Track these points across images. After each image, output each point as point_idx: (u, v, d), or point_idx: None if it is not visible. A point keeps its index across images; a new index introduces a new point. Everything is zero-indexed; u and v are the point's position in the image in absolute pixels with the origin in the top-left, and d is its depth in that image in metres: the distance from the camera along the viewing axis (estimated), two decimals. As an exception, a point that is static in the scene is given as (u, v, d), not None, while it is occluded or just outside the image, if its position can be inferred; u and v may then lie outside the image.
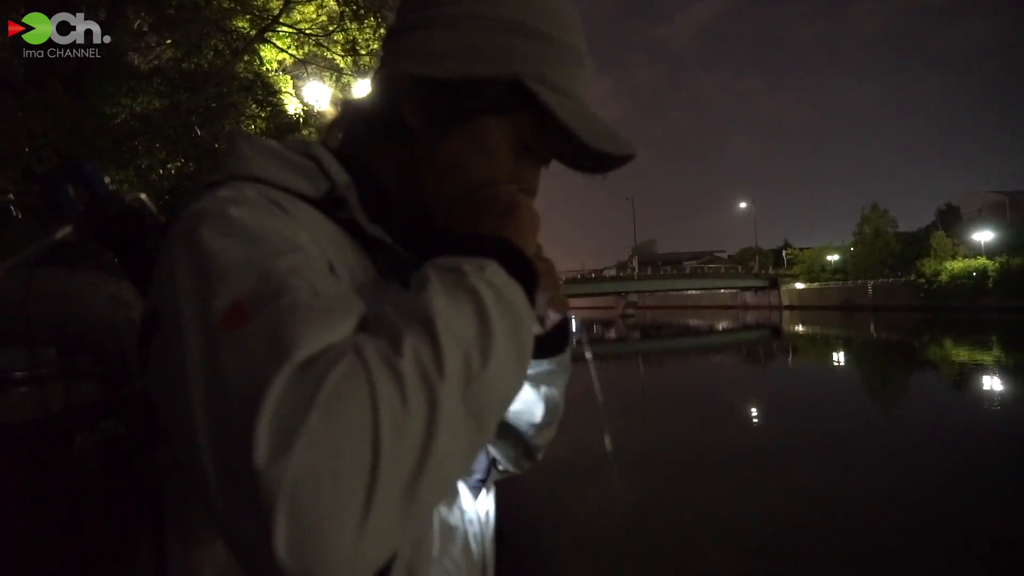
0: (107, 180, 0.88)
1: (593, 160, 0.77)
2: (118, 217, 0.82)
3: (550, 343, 0.87)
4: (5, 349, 1.65)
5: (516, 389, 0.57)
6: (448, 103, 0.70)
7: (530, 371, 0.87)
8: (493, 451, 0.96)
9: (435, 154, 0.71)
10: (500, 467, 0.98)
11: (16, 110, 6.18)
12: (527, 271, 0.59)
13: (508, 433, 0.93)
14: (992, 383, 12.98)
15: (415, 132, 0.72)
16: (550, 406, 0.91)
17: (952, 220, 55.93)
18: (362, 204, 0.69)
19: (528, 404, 0.90)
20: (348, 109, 0.81)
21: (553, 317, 0.79)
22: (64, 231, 1.00)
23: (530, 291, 0.59)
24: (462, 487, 0.78)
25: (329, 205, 0.67)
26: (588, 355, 0.93)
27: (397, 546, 0.46)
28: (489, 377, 0.51)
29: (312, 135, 8.72)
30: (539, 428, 0.92)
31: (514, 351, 0.54)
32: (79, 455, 1.59)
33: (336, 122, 0.81)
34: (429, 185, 0.72)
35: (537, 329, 0.60)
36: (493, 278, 0.55)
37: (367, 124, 0.76)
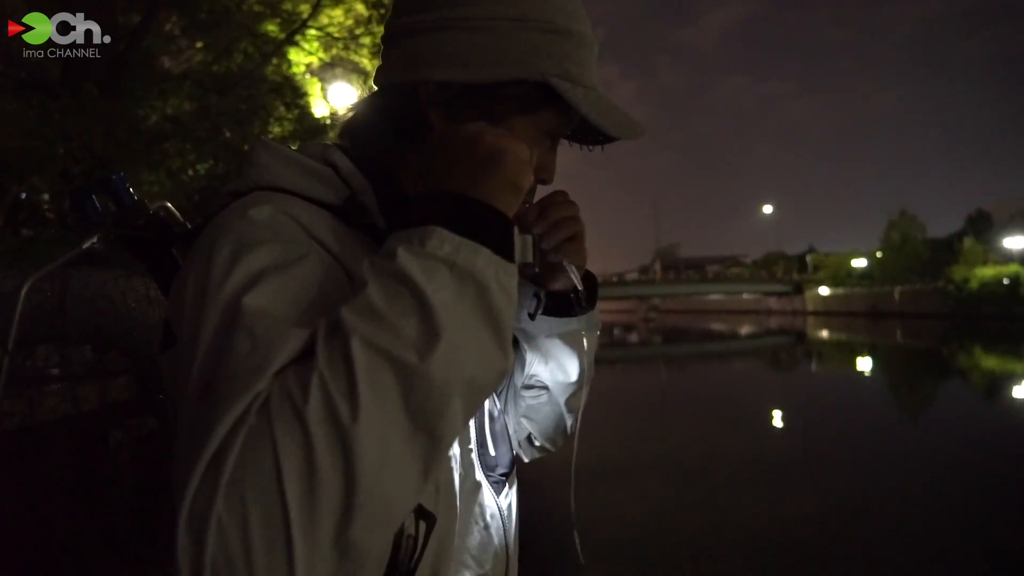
0: (131, 190, 0.90)
1: (597, 136, 0.79)
2: (144, 226, 0.84)
3: (576, 301, 0.87)
4: (43, 347, 1.72)
5: (496, 363, 0.53)
6: (477, 107, 0.70)
7: (558, 330, 0.89)
8: (528, 427, 0.99)
9: (441, 142, 0.69)
10: (536, 443, 1.00)
11: (52, 112, 6.33)
12: (491, 222, 0.55)
13: (543, 393, 0.95)
14: (1022, 392, 12.69)
15: None
16: (583, 365, 0.92)
17: (983, 226, 54.74)
18: (382, 209, 0.69)
19: (561, 362, 0.92)
20: (359, 113, 0.80)
21: (567, 277, 0.79)
22: (90, 241, 1.04)
23: (501, 241, 0.55)
24: (484, 482, 0.79)
25: (349, 211, 0.68)
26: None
27: None
28: (439, 371, 0.48)
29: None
30: (573, 389, 0.94)
31: (482, 322, 0.51)
32: (113, 451, 1.64)
33: (347, 127, 0.80)
34: (432, 171, 0.71)
35: (513, 277, 0.56)
36: (437, 249, 0.51)
37: (384, 129, 0.75)
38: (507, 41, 0.69)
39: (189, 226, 0.85)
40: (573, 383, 0.94)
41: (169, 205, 0.92)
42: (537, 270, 0.78)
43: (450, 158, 0.61)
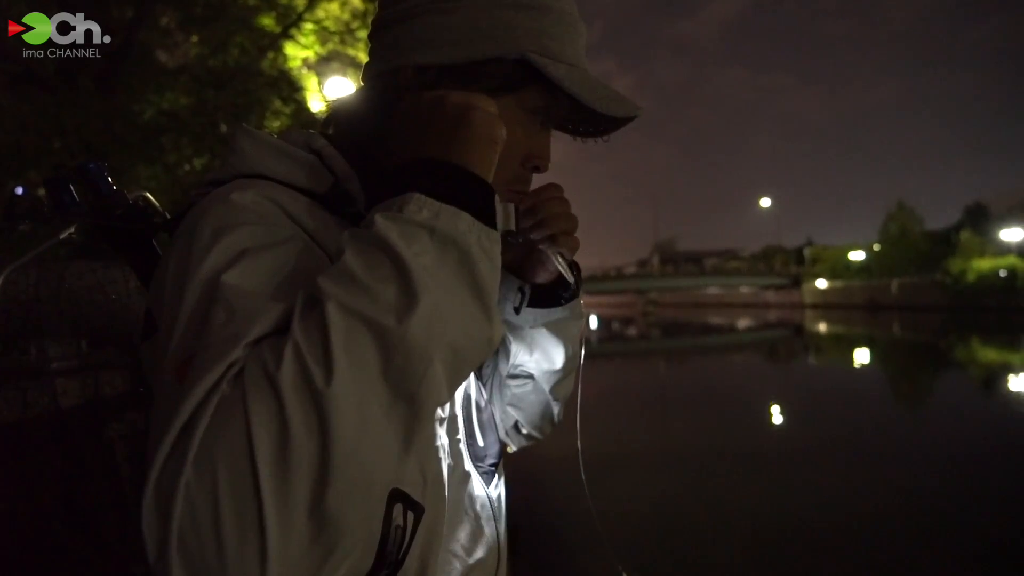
0: (110, 179, 0.88)
1: (596, 125, 0.77)
2: (123, 216, 0.83)
3: (560, 290, 0.87)
4: (37, 341, 1.70)
5: (480, 330, 0.51)
6: (456, 88, 0.67)
7: (543, 320, 0.89)
8: (515, 415, 0.98)
9: (411, 110, 0.68)
10: (524, 431, 1.00)
11: (48, 107, 6.31)
12: (471, 187, 0.55)
13: (529, 385, 0.95)
14: (1021, 385, 12.73)
15: None
16: (569, 352, 0.92)
17: (980, 218, 54.76)
18: (367, 197, 0.68)
19: (546, 350, 0.91)
20: (343, 103, 0.79)
21: (556, 264, 0.78)
22: (67, 231, 1.02)
23: (481, 205, 0.54)
24: (473, 472, 0.78)
25: (334, 199, 0.67)
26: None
27: (328, 561, 0.44)
28: (418, 334, 0.46)
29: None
30: (559, 377, 0.94)
31: (465, 288, 0.50)
32: (107, 446, 1.63)
33: (328, 119, 0.79)
34: (405, 139, 0.70)
35: (496, 243, 0.54)
36: (416, 214, 0.50)
37: (366, 117, 0.74)
38: (481, 20, 0.68)
39: (169, 217, 0.84)
40: (559, 371, 0.94)
41: (148, 195, 0.90)
42: (521, 240, 0.77)
43: (420, 126, 0.60)
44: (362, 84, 0.77)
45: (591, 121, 0.76)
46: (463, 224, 0.52)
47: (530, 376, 0.95)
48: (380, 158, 0.70)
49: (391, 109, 0.69)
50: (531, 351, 0.92)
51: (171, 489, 0.41)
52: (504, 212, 0.60)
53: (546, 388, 0.95)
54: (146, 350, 0.59)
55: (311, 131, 0.74)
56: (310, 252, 0.59)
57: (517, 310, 0.88)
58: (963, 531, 4.97)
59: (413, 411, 0.47)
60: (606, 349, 23.42)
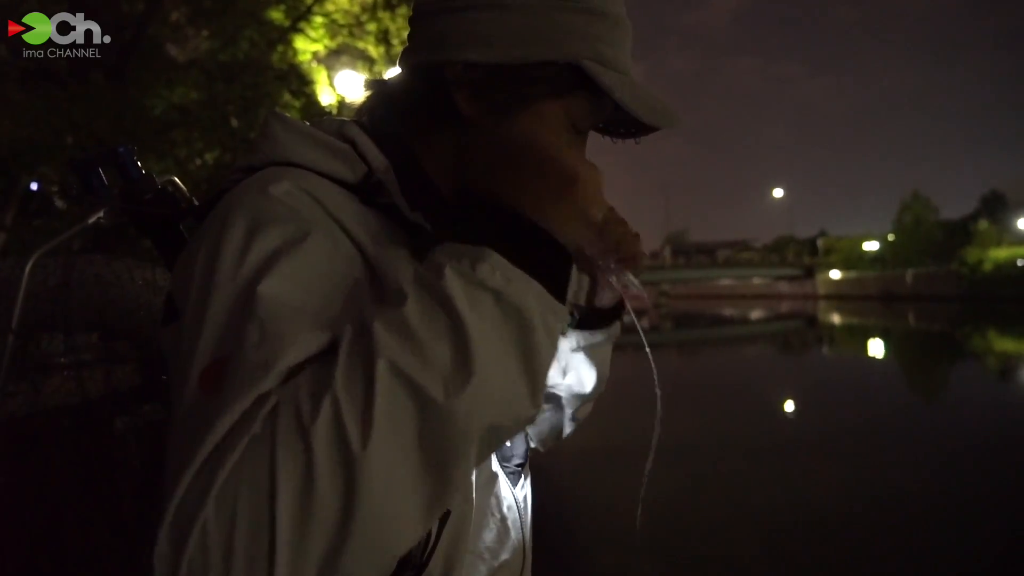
0: (139, 164, 0.87)
1: (631, 128, 0.75)
2: (152, 201, 0.82)
3: (611, 313, 0.84)
4: (47, 335, 1.71)
5: (521, 410, 0.49)
6: (505, 89, 0.66)
7: (585, 342, 0.86)
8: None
9: (493, 142, 0.66)
10: (530, 443, 0.98)
11: (61, 101, 6.34)
12: (552, 258, 0.52)
13: (550, 405, 0.93)
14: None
15: (467, 119, 0.68)
16: (601, 377, 0.90)
17: (998, 207, 54.19)
18: (402, 189, 0.65)
19: (580, 374, 0.89)
20: (381, 91, 0.76)
21: (608, 294, 0.75)
22: (97, 215, 1.01)
23: (558, 280, 0.51)
24: (500, 473, 0.77)
25: (367, 190, 0.65)
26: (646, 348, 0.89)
27: None
28: (462, 413, 0.44)
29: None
30: (584, 400, 0.92)
31: (518, 363, 0.48)
32: (119, 438, 1.63)
33: (365, 105, 0.77)
34: (486, 174, 0.68)
35: (564, 325, 0.52)
36: (489, 276, 0.48)
37: (407, 109, 0.72)
38: (537, 21, 0.66)
39: (196, 202, 0.84)
40: (587, 395, 0.92)
41: (176, 180, 0.89)
42: (579, 316, 0.75)
43: (508, 168, 0.57)
44: (400, 70, 0.74)
45: (628, 124, 0.74)
46: (532, 296, 0.49)
47: (556, 397, 0.92)
48: (420, 152, 0.68)
49: (437, 106, 0.67)
50: (564, 373, 0.89)
51: (188, 524, 0.41)
52: (578, 284, 0.58)
53: (569, 411, 0.93)
54: (166, 335, 0.57)
55: (344, 119, 0.71)
56: (344, 249, 0.58)
57: (563, 333, 0.85)
58: (978, 523, 4.92)
59: (442, 485, 0.46)
60: (618, 341, 23.30)
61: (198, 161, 8.87)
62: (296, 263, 0.53)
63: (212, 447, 0.43)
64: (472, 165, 0.66)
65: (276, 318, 0.49)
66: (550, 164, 0.55)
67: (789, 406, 10.43)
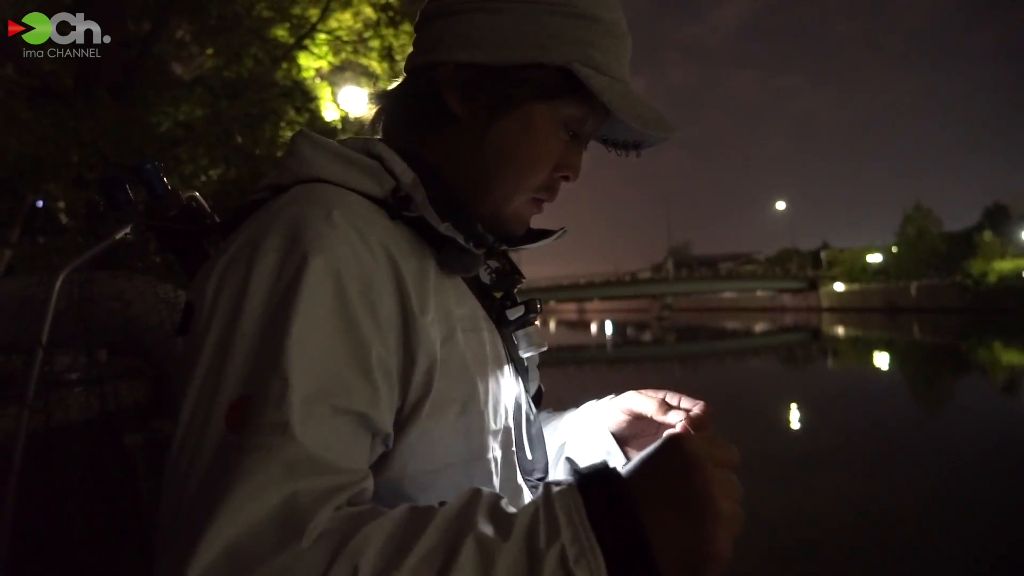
0: (165, 180, 0.88)
1: (633, 140, 0.76)
2: (177, 217, 0.83)
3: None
4: (63, 351, 1.72)
5: None
6: (494, 90, 0.68)
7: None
8: None
9: (482, 142, 0.69)
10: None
11: (66, 119, 6.38)
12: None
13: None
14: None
15: (459, 120, 0.70)
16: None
17: (1001, 219, 54.15)
18: (432, 201, 0.65)
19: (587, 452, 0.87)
20: (384, 100, 0.77)
21: None
22: (123, 231, 1.03)
23: None
24: (524, 487, 0.77)
25: (394, 204, 0.65)
26: None
27: None
28: None
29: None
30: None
31: None
32: (129, 454, 1.64)
33: (376, 117, 0.78)
34: (476, 174, 0.70)
35: None
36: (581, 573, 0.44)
37: (405, 113, 0.74)
38: (527, 24, 0.67)
39: (218, 219, 0.84)
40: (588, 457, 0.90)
41: (199, 196, 0.90)
42: None
43: (498, 166, 0.65)
44: (404, 74, 0.76)
45: (627, 134, 0.75)
46: None
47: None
48: (424, 156, 0.70)
49: (430, 107, 0.69)
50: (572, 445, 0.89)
51: None
52: None
53: (565, 455, 0.91)
54: (182, 344, 0.57)
55: (368, 138, 0.72)
56: (389, 300, 0.59)
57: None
58: (983, 536, 4.88)
59: None
60: (622, 354, 23.31)
61: (203, 177, 8.92)
62: (329, 306, 0.54)
63: (227, 524, 0.44)
64: (464, 166, 0.69)
65: (301, 372, 0.50)
66: (675, 448, 0.54)
67: (793, 419, 10.38)
